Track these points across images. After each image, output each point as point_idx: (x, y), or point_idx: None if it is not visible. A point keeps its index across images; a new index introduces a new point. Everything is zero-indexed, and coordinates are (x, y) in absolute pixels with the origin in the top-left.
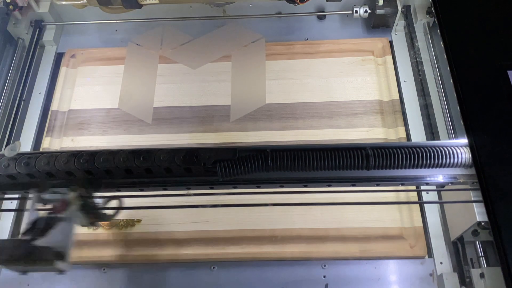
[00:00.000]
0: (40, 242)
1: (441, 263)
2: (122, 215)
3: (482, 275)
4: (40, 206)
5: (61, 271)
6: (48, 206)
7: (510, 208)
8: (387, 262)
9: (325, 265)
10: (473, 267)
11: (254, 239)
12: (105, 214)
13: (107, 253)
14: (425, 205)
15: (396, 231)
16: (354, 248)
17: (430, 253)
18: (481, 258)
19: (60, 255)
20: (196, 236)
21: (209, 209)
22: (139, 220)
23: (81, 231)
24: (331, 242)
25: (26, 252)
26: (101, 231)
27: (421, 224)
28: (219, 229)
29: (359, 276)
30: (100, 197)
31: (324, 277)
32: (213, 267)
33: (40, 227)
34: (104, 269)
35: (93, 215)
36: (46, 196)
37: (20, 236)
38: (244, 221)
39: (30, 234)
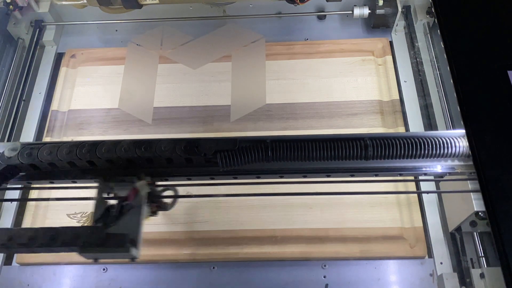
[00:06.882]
0: (113, 229)
1: (441, 263)
2: None
3: (482, 275)
4: (106, 194)
5: (133, 258)
6: (113, 195)
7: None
8: (387, 262)
9: (325, 265)
10: (473, 267)
11: (254, 239)
12: (166, 203)
13: None
14: (425, 203)
15: (396, 231)
16: (354, 248)
17: (430, 253)
18: (481, 258)
19: (133, 242)
20: (196, 236)
21: (209, 209)
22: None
23: None
24: (331, 242)
25: (101, 239)
26: None
27: (421, 224)
28: (219, 229)
29: (359, 277)
30: (161, 185)
31: (324, 277)
32: (213, 267)
33: (112, 214)
34: (104, 269)
35: (155, 204)
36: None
37: (93, 224)
38: (244, 221)
39: (103, 221)
